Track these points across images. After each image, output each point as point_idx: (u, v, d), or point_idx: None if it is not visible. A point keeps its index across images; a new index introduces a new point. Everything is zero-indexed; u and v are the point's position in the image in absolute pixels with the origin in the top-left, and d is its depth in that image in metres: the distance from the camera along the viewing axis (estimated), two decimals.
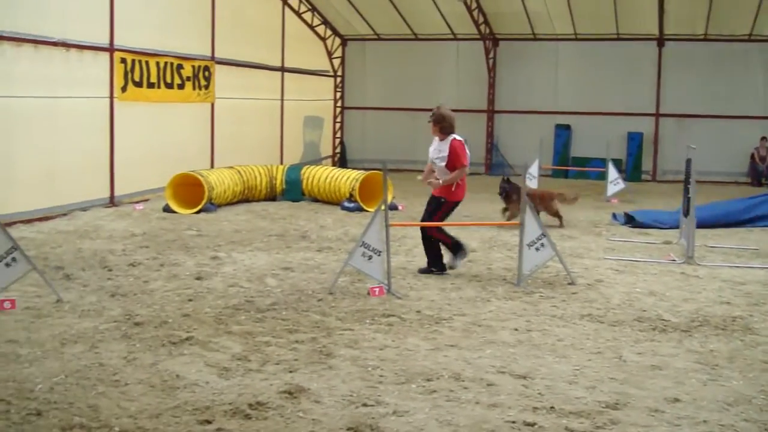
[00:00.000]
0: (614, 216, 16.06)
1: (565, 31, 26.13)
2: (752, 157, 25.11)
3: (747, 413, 5.95)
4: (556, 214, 15.04)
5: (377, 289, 9.31)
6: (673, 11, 24.22)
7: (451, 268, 10.67)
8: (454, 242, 10.71)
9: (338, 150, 28.53)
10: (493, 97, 27.18)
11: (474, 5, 24.62)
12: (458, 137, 10.50)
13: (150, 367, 6.70)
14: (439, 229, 10.65)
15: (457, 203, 10.60)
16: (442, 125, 10.55)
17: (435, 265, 10.64)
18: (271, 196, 18.03)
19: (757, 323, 8.44)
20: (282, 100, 23.86)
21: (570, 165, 25.74)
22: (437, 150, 10.47)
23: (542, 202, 14.98)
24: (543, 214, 14.39)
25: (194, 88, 18.89)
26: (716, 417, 5.85)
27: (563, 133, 26.28)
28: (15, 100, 13.66)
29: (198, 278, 10.04)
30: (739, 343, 7.75)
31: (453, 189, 10.45)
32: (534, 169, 20.08)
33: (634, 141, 25.67)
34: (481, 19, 25.57)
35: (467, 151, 10.53)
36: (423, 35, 27.42)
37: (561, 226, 14.81)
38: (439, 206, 10.54)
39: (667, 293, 9.68)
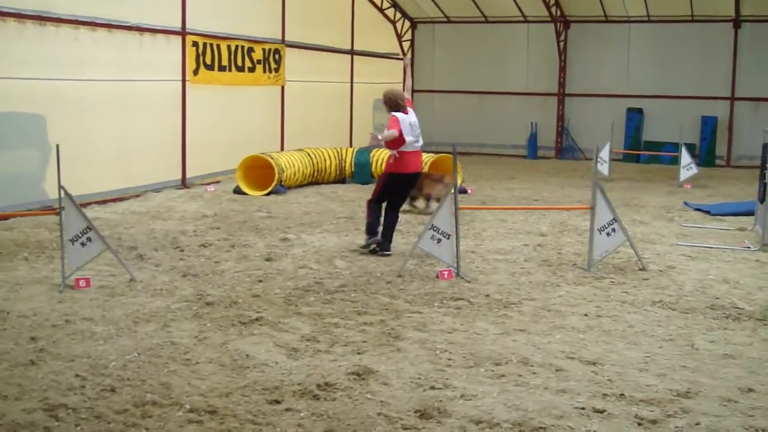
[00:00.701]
0: (686, 202, 15.78)
1: (638, 12, 25.67)
2: None
3: None
4: (429, 197, 14.07)
5: (446, 273, 9.30)
6: None
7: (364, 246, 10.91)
8: (369, 223, 10.86)
9: None
10: (563, 80, 26.85)
11: None
12: (397, 114, 10.47)
13: (220, 346, 6.80)
14: (373, 202, 10.85)
15: (396, 176, 10.67)
16: (386, 105, 10.70)
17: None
18: (341, 179, 18.11)
19: None
20: (351, 83, 23.91)
21: (642, 149, 25.32)
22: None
23: (432, 185, 14.06)
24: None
25: (264, 71, 19.03)
26: None
27: (635, 116, 25.85)
28: (90, 84, 13.96)
29: (268, 259, 10.14)
30: None
31: (392, 161, 10.64)
32: (605, 154, 19.80)
33: (708, 125, 25.14)
34: (552, 1, 25.28)
35: (403, 125, 10.38)
36: (493, 18, 27.20)
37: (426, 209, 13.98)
38: (381, 178, 11.01)
39: (741, 281, 9.48)
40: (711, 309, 8.25)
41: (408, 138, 10.43)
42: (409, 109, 10.71)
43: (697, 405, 5.75)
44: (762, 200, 11.78)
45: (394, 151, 10.56)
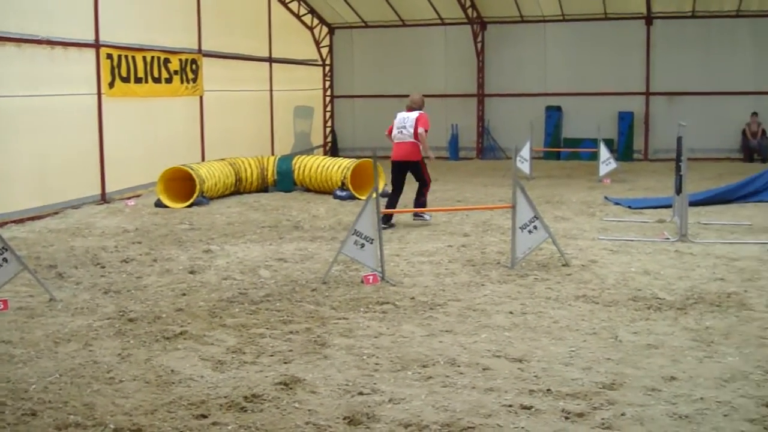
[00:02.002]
0: (606, 197, 16.05)
1: (553, 12, 26.05)
2: (744, 132, 25.07)
3: (744, 389, 5.94)
4: None
5: (371, 277, 9.28)
6: None
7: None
8: None
9: (329, 139, 28.47)
10: (482, 81, 27.10)
11: None
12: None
13: (144, 363, 6.67)
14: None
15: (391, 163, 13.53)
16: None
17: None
18: (263, 188, 17.99)
19: (752, 299, 8.43)
20: (271, 90, 23.77)
21: (562, 146, 25.71)
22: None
23: None
24: None
25: (182, 82, 18.81)
26: (713, 394, 5.84)
27: (554, 114, 26.22)
28: (1, 100, 13.59)
29: (191, 272, 10.01)
30: (734, 319, 7.73)
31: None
32: (525, 152, 20.03)
33: (625, 120, 25.62)
34: (468, 3, 25.49)
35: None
36: (410, 21, 27.33)
37: None
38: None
39: (662, 272, 9.67)
40: (633, 301, 8.39)
41: (393, 132, 13.44)
42: (412, 113, 13.40)
43: (622, 396, 5.83)
44: (678, 192, 12.03)
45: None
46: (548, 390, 5.94)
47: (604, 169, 19.32)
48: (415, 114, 13.30)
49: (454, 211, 14.33)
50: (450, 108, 27.21)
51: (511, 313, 8.01)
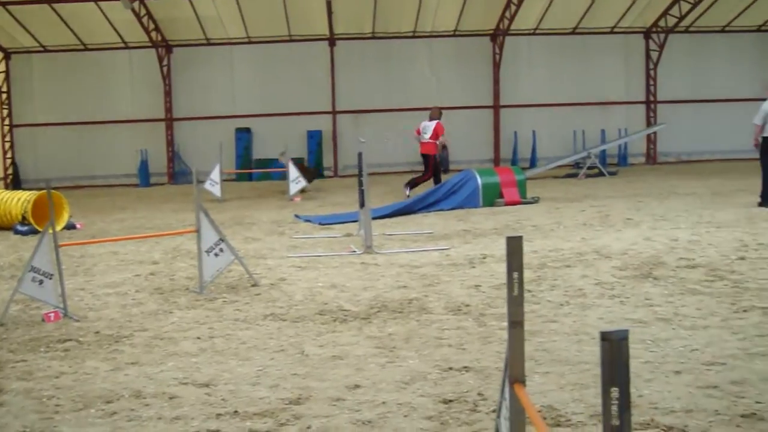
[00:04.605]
0: (296, 215, 16.36)
1: (238, 34, 26.29)
2: None
3: (423, 389, 6.20)
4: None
5: (52, 314, 8.81)
6: (341, 11, 25.07)
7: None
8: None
9: (10, 171, 26.86)
10: (170, 105, 26.79)
11: (143, 12, 24.12)
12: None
13: None
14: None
15: None
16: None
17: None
18: None
19: (432, 302, 8.88)
20: None
21: (253, 167, 25.91)
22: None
23: None
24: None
25: None
26: (394, 397, 6.06)
27: (244, 136, 26.40)
28: None
29: None
30: (414, 323, 8.09)
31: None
32: (215, 175, 19.97)
33: (314, 139, 26.32)
34: (152, 26, 25.11)
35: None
36: (93, 45, 26.53)
37: None
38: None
39: (348, 284, 9.96)
40: (320, 315, 8.55)
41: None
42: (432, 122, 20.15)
43: (308, 409, 5.90)
44: (362, 206, 12.47)
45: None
46: (235, 412, 5.90)
47: (294, 187, 19.68)
48: (433, 123, 20.01)
49: (143, 239, 13.97)
50: (138, 133, 26.67)
51: (198, 338, 7.90)
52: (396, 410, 5.81)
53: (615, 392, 2.39)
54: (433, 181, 19.52)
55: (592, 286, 9.39)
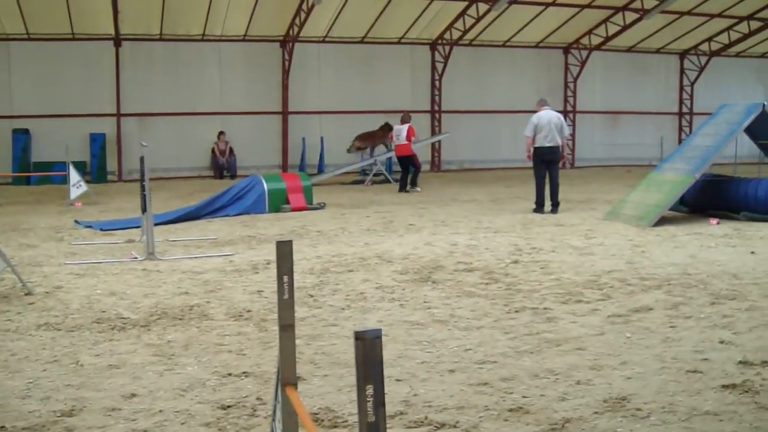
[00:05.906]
0: (77, 220, 15.82)
1: (17, 30, 25.10)
2: (213, 151, 26.29)
3: (201, 396, 6.17)
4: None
5: None
6: (127, 11, 24.42)
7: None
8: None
9: None
10: None
11: None
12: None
13: None
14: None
15: None
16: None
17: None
18: None
19: (213, 309, 8.83)
20: None
21: (31, 171, 24.78)
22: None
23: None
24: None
25: None
26: (172, 404, 5.99)
27: (21, 137, 25.21)
28: None
29: None
30: (195, 330, 8.02)
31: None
32: None
33: (97, 142, 25.51)
34: None
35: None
36: None
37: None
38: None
39: (128, 291, 9.73)
40: (97, 323, 8.31)
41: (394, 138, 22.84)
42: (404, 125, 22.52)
43: (82, 421, 5.74)
44: (144, 211, 12.22)
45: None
46: (2, 428, 5.65)
47: (74, 192, 19.01)
48: (405, 126, 22.35)
49: None
50: None
51: None
52: (173, 418, 5.75)
53: (370, 389, 2.47)
54: (400, 177, 22.82)
55: (373, 290, 9.64)
